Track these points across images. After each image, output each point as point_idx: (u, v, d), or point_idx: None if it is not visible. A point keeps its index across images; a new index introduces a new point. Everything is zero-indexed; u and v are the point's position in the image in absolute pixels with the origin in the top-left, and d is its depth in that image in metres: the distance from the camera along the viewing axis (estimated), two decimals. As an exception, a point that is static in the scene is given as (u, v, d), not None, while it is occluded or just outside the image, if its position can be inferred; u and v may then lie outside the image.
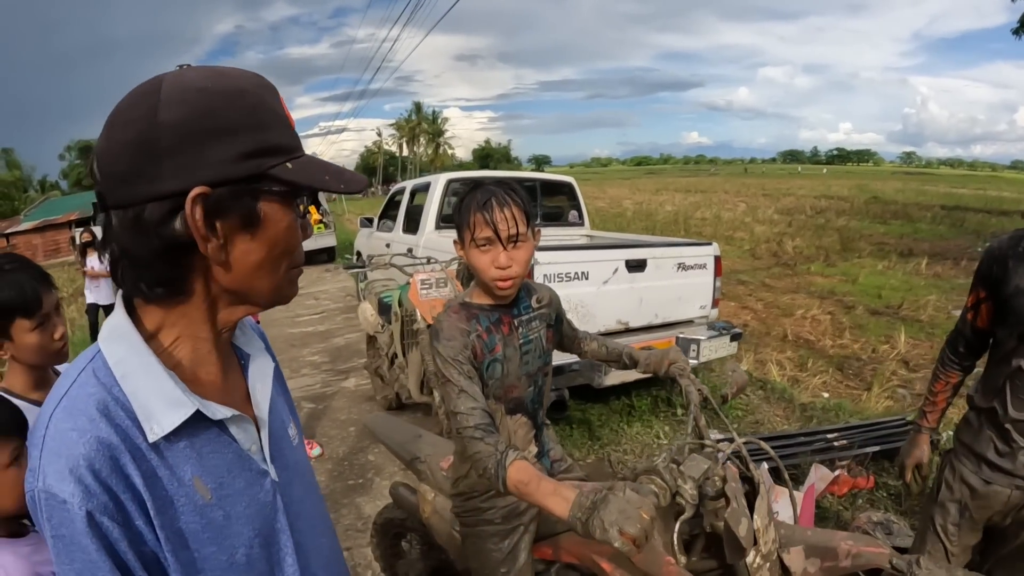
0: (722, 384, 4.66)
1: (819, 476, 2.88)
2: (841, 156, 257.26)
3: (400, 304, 4.12)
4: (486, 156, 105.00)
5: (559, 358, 3.63)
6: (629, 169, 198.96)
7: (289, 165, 0.71)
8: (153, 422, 0.67)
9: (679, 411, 4.44)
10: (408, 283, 3.95)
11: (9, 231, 32.37)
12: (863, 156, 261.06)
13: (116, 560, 0.63)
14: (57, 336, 1.38)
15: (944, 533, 1.92)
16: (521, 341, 1.58)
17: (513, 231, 1.41)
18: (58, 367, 1.45)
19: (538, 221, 6.15)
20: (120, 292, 0.73)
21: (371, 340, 5.05)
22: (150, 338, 0.72)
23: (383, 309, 4.50)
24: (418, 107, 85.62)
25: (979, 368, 1.96)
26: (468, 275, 3.64)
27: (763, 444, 1.54)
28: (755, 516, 1.31)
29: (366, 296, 5.25)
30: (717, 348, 4.10)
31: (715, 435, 3.65)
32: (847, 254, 13.44)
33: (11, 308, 1.30)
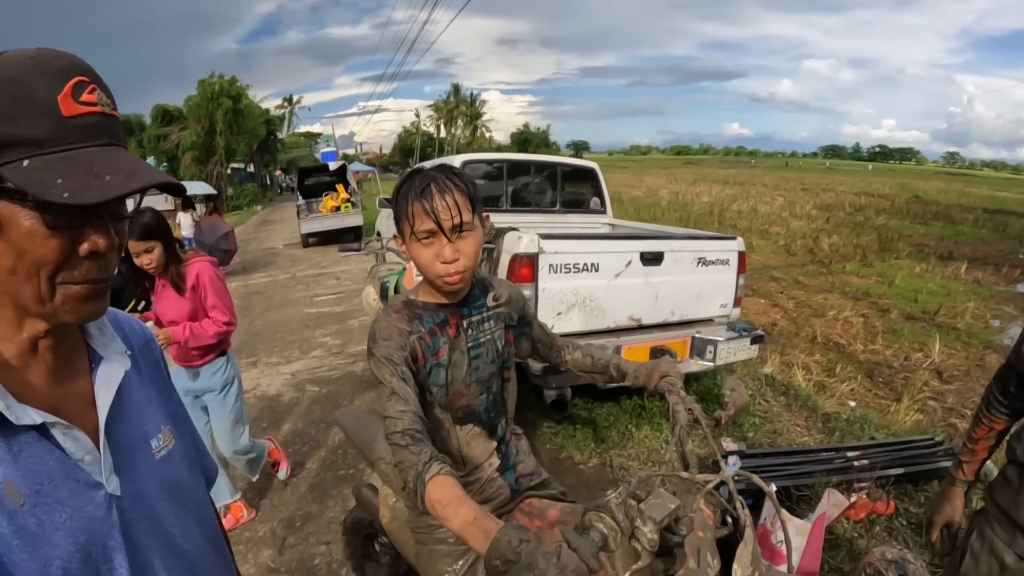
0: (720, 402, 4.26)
1: (832, 503, 2.61)
2: (884, 153, 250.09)
3: (396, 291, 3.95)
4: (525, 140, 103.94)
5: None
6: (669, 158, 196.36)
7: (25, 163, 0.60)
8: None
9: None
10: (404, 268, 3.77)
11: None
12: (906, 154, 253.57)
13: None
14: None
15: None
16: (470, 344, 1.43)
17: (457, 220, 1.26)
18: None
19: (559, 208, 5.98)
20: None
21: (376, 325, 4.89)
22: None
23: (384, 294, 4.33)
24: (456, 89, 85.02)
25: None
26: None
27: (754, 477, 1.32)
28: (735, 567, 1.10)
29: (370, 279, 5.10)
30: (736, 351, 3.83)
31: (728, 444, 3.40)
32: (885, 254, 12.95)
33: None
